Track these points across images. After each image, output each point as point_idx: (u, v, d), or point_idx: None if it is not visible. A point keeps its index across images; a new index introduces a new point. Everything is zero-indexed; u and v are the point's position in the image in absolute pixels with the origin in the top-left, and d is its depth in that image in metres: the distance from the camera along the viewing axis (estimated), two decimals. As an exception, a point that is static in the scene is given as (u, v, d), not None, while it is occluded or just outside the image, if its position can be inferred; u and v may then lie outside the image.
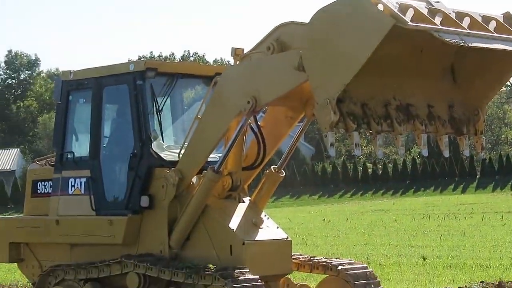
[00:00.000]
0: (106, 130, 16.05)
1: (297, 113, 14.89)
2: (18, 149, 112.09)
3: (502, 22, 12.52)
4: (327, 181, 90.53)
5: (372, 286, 15.02)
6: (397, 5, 11.36)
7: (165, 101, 15.70)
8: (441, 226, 42.18)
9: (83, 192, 15.89)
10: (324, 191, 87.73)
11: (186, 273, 13.96)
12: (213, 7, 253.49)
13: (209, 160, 14.72)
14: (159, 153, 15.14)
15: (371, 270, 15.51)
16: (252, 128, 14.88)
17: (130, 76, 15.27)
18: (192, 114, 15.40)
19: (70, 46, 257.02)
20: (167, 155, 15.21)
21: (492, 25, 12.34)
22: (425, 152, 13.01)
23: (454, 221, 46.18)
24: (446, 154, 13.29)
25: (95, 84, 15.84)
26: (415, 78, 13.00)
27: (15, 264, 17.84)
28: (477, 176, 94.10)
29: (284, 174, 15.81)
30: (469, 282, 13.27)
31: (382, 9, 11.27)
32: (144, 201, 14.96)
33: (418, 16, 11.43)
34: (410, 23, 11.16)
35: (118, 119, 16.09)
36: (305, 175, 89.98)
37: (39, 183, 17.05)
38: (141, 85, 15.11)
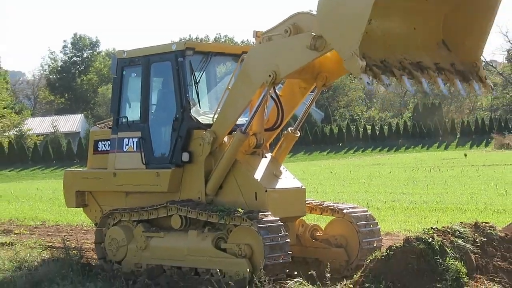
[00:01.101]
0: (153, 98, 16.07)
1: (309, 84, 14.90)
2: (82, 114, 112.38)
3: None
4: (334, 140, 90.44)
5: (371, 226, 15.06)
6: None
7: (201, 75, 15.70)
8: (428, 177, 42.07)
9: (135, 150, 15.94)
10: (331, 149, 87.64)
11: (219, 215, 14.04)
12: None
13: (237, 123, 14.73)
14: (197, 117, 15.15)
15: (370, 213, 15.54)
16: (272, 97, 14.88)
17: (172, 54, 15.28)
18: (223, 85, 15.39)
19: (124, 30, 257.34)
20: (203, 119, 15.22)
21: None
22: (445, 91, 12.83)
23: (438, 173, 46.07)
24: (464, 93, 13.18)
25: (144, 61, 15.86)
26: (416, 49, 12.90)
27: (81, 209, 17.92)
28: (457, 136, 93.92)
29: (299, 134, 15.79)
30: (451, 223, 13.21)
31: None
32: (185, 156, 15.00)
33: None
34: None
35: (163, 89, 16.10)
36: (316, 135, 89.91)
37: (100, 142, 17.11)
38: (182, 62, 15.11)
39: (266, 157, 15.19)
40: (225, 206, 14.34)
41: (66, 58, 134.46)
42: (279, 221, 13.73)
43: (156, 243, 15.28)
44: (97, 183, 16.88)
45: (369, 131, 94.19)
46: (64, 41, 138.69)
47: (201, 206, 14.61)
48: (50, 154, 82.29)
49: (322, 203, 15.81)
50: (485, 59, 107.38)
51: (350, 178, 44.85)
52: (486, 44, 13.28)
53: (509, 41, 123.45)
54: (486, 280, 11.37)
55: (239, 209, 13.97)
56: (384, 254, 11.79)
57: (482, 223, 12.85)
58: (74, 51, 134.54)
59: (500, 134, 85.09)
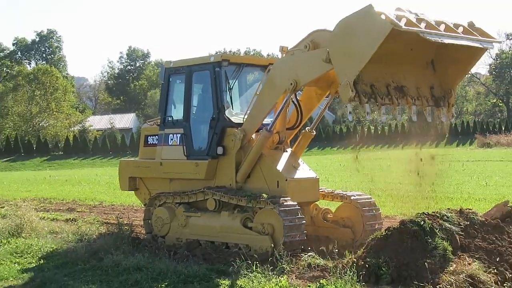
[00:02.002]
0: (194, 101, 16.10)
1: (324, 91, 14.89)
2: (134, 113, 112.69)
3: (467, 27, 12.40)
4: (343, 138, 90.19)
5: (374, 211, 15.07)
6: (395, 15, 11.34)
7: (234, 82, 15.72)
8: (421, 170, 41.74)
9: (178, 144, 15.98)
10: (341, 145, 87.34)
11: (247, 199, 14.08)
12: (268, 15, 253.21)
13: (263, 123, 14.74)
14: (230, 118, 15.16)
15: (374, 200, 15.51)
16: (293, 101, 14.88)
17: (210, 65, 15.31)
18: (252, 91, 15.38)
19: (171, 44, 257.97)
20: (235, 119, 15.23)
21: (460, 29, 12.23)
22: (414, 118, 12.90)
23: (430, 166, 45.71)
24: (430, 119, 13.23)
25: (187, 70, 15.88)
26: (407, 68, 12.91)
27: (132, 192, 17.98)
28: (446, 136, 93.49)
29: (314, 133, 15.81)
30: (440, 209, 13.17)
31: (384, 18, 11.25)
32: (219, 150, 15.04)
33: (409, 22, 11.40)
34: (403, 27, 11.13)
35: (202, 94, 16.12)
36: (328, 133, 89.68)
37: (149, 137, 17.15)
38: (218, 71, 15.13)
39: (287, 151, 15.18)
40: (252, 191, 14.37)
41: (122, 67, 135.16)
42: (297, 205, 13.74)
43: (194, 221, 15.32)
44: (147, 170, 16.94)
45: (372, 131, 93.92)
46: (121, 52, 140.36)
47: (232, 192, 14.64)
48: (107, 146, 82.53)
49: (333, 191, 15.83)
50: (471, 72, 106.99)
51: (356, 169, 44.61)
52: (463, 79, 13.35)
53: (491, 57, 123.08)
54: (468, 257, 11.32)
55: (264, 195, 14.00)
56: (383, 234, 11.78)
57: (466, 209, 12.81)
58: (128, 60, 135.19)
59: (482, 135, 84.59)
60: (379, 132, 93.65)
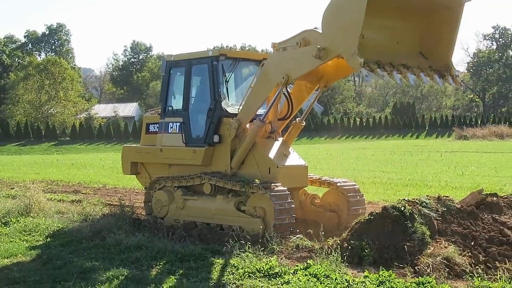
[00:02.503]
0: (193, 92, 16.06)
1: (314, 85, 14.87)
2: (137, 103, 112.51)
3: None
4: (330, 129, 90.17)
5: (358, 197, 15.06)
6: None
7: (231, 75, 15.66)
8: (402, 160, 41.88)
9: (177, 132, 15.95)
10: (328, 135, 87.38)
11: (241, 184, 14.06)
12: (262, 14, 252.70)
13: (257, 113, 14.72)
14: (226, 108, 15.13)
15: (358, 186, 15.50)
16: (284, 94, 14.86)
17: (209, 59, 15.26)
18: (247, 84, 15.36)
19: (172, 38, 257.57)
20: (231, 109, 15.20)
21: None
22: (426, 81, 12.68)
23: (410, 156, 45.86)
24: (441, 84, 13.20)
25: (187, 63, 15.84)
26: (401, 58, 12.82)
27: (134, 176, 17.96)
28: (426, 128, 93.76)
29: (304, 123, 15.79)
30: (419, 195, 13.21)
31: None
32: (216, 138, 15.01)
33: None
34: None
35: (201, 86, 16.08)
36: (316, 124, 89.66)
37: (150, 125, 17.12)
38: (216, 65, 15.09)
39: (278, 140, 15.18)
40: (246, 177, 14.36)
41: (126, 59, 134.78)
42: (287, 191, 13.75)
43: (191, 204, 15.32)
44: (148, 156, 16.91)
45: (357, 123, 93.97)
46: (125, 46, 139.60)
47: (227, 177, 14.64)
48: (111, 133, 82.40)
49: (320, 177, 15.82)
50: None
51: (342, 158, 44.70)
52: (454, 50, 13.21)
53: (469, 56, 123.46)
54: (444, 240, 11.36)
55: (256, 180, 14.00)
56: (366, 218, 11.81)
57: (443, 196, 12.84)
58: (132, 53, 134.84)
59: (460, 128, 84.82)
60: (364, 124, 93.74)
